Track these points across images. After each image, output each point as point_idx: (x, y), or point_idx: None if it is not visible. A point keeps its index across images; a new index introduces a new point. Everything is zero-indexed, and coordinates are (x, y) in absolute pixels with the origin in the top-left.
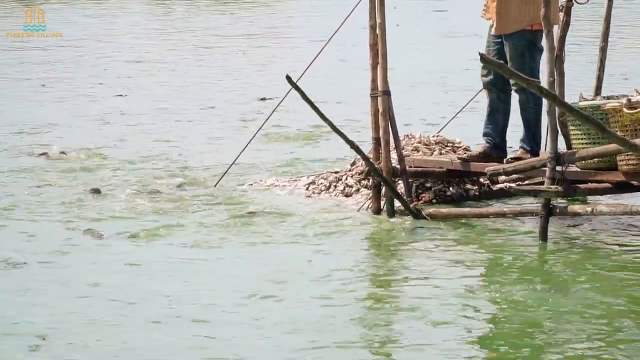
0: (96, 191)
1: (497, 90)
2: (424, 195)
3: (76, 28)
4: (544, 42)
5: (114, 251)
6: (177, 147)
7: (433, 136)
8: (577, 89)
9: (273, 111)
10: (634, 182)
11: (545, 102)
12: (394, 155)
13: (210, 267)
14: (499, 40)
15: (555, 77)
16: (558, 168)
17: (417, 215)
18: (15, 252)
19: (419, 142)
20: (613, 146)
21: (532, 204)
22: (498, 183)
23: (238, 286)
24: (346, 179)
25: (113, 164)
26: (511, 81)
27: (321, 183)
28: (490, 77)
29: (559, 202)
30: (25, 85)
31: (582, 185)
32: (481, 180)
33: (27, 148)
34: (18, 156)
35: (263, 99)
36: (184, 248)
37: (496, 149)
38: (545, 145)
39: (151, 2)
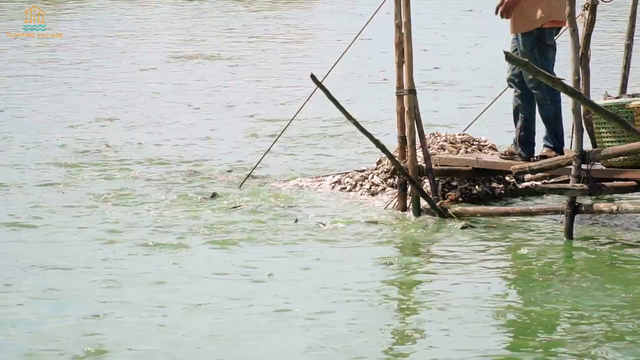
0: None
1: (516, 86)
2: (450, 193)
3: (102, 26)
4: (568, 41)
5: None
6: (195, 146)
7: (459, 135)
8: (603, 87)
9: (297, 112)
10: None
11: (570, 100)
12: (419, 154)
13: (241, 271)
14: (515, 38)
15: (581, 76)
16: (583, 166)
17: (443, 213)
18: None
19: (445, 141)
20: (638, 144)
21: (558, 202)
22: (524, 181)
23: (262, 287)
24: (372, 177)
25: (133, 166)
26: (526, 79)
27: (347, 182)
28: (509, 74)
29: (585, 200)
30: (52, 85)
31: (607, 184)
32: (507, 178)
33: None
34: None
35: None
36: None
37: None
38: (571, 143)
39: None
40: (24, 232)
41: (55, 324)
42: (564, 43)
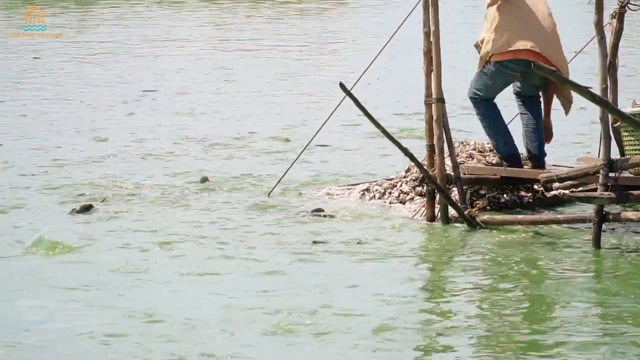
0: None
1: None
2: (478, 202)
3: (127, 31)
4: (596, 49)
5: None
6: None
7: (487, 143)
8: (630, 96)
9: (325, 121)
10: None
11: (598, 108)
12: (448, 162)
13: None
14: None
15: (609, 84)
16: (611, 174)
17: (471, 222)
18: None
19: (474, 149)
20: None
21: (586, 211)
22: (552, 190)
23: (283, 295)
24: (401, 185)
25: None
26: (468, 91)
27: (376, 190)
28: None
29: (613, 208)
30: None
31: (635, 192)
32: (535, 187)
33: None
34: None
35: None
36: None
37: (534, 159)
38: (599, 152)
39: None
40: None
41: None
42: (590, 53)
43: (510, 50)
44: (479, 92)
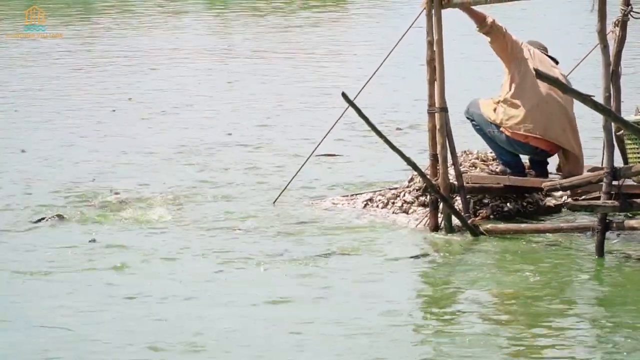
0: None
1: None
2: (481, 211)
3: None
4: (599, 57)
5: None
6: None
7: (490, 152)
8: (633, 103)
9: (328, 132)
10: None
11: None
12: (451, 172)
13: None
14: None
15: (612, 92)
16: (614, 183)
17: (474, 231)
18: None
19: (477, 158)
20: None
21: (589, 219)
22: (555, 198)
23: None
24: (404, 195)
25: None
26: (465, 111)
27: (379, 200)
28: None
29: (616, 216)
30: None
31: (638, 200)
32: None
33: None
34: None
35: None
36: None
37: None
38: (602, 160)
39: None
40: None
41: None
42: (592, 60)
43: (522, 134)
44: (475, 124)
